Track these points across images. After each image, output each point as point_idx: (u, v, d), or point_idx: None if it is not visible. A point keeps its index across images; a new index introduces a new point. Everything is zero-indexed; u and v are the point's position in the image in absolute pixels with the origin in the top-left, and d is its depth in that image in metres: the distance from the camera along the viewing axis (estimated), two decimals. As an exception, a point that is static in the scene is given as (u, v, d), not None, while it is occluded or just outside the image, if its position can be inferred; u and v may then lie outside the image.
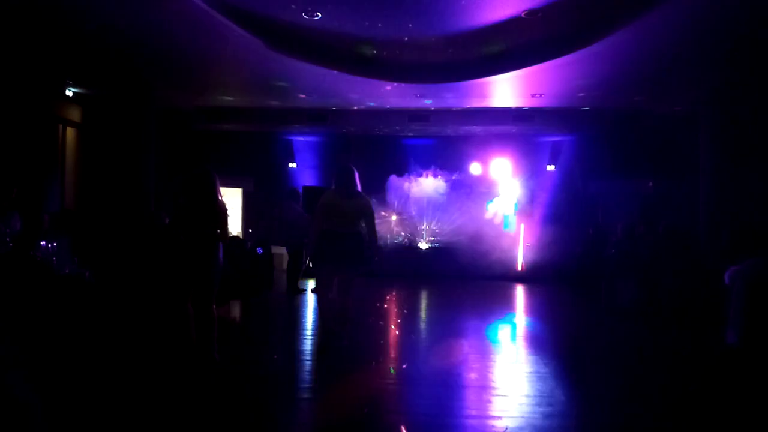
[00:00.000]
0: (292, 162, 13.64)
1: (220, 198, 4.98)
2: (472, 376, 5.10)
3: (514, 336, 7.14)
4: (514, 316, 8.54)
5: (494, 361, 5.67)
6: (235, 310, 8.10)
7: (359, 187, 5.96)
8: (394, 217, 12.86)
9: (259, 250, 9.39)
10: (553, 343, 6.55)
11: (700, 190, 9.44)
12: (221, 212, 4.92)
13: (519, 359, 5.86)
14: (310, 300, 9.19)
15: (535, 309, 9.26)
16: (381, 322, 7.47)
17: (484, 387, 4.78)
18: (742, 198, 8.58)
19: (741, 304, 4.00)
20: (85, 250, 5.37)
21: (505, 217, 12.48)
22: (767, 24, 6.14)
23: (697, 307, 6.43)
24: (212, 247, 4.83)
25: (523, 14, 6.22)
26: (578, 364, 5.67)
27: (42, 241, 4.92)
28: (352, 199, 5.82)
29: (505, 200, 12.54)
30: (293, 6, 5.99)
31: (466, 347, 6.16)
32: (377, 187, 12.78)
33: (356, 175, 5.92)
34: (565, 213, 12.19)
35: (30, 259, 4.60)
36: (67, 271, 4.97)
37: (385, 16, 6.30)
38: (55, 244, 4.97)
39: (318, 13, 6.21)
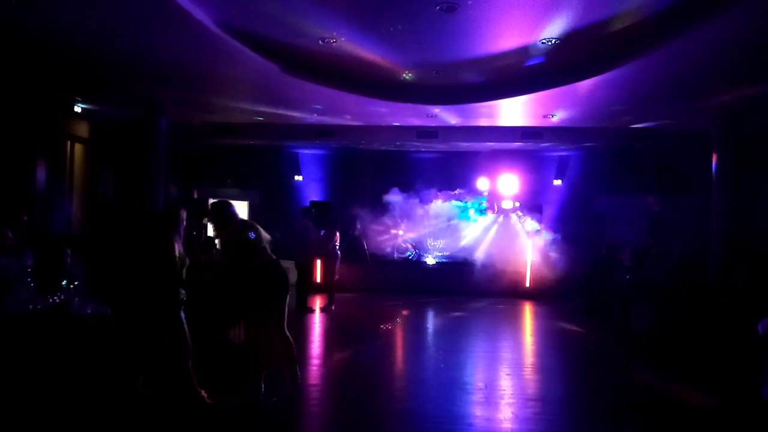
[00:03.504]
0: (298, 175, 13.57)
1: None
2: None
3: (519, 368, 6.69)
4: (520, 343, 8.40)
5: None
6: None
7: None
8: (400, 232, 12.81)
9: None
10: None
11: (712, 210, 9.34)
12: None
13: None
14: (319, 322, 9.14)
15: (546, 335, 8.94)
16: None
17: None
18: (757, 218, 8.51)
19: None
20: (101, 283, 5.10)
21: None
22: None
23: (711, 342, 6.29)
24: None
25: (539, 42, 6.20)
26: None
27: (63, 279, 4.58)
28: None
29: (512, 214, 12.51)
30: (311, 33, 5.96)
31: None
32: (383, 200, 12.79)
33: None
34: (573, 228, 12.12)
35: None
36: (89, 311, 4.52)
37: (405, 41, 6.26)
38: (76, 283, 4.57)
39: (334, 40, 6.17)
